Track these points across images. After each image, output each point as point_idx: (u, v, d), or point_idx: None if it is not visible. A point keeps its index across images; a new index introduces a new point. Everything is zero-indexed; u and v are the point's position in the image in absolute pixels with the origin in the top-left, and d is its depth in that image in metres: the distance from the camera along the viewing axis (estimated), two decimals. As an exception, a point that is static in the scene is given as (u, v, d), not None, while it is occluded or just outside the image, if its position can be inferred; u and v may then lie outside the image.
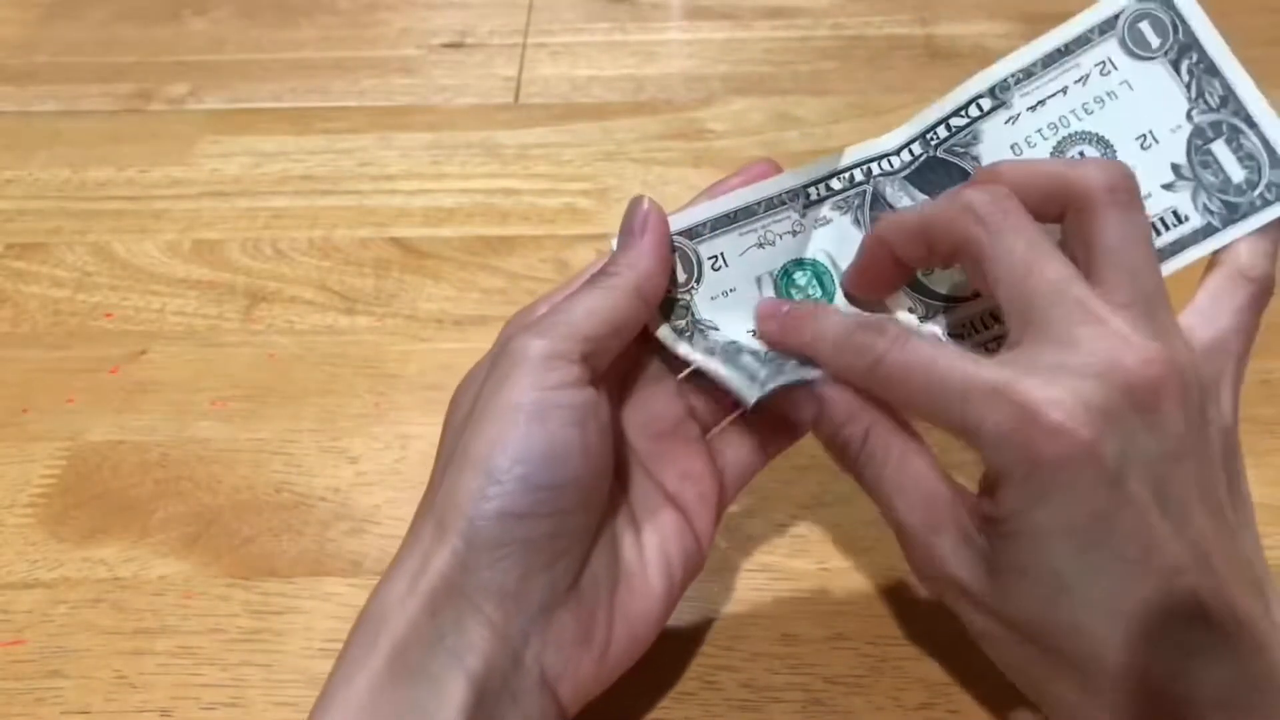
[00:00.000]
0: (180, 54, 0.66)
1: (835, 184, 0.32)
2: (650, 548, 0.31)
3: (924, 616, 0.37)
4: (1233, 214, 0.30)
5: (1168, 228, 0.30)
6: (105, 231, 0.53)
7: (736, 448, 0.33)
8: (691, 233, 0.31)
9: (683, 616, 0.37)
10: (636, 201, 0.31)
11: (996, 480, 0.26)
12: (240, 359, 0.46)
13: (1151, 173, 0.30)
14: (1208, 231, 0.30)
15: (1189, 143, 0.30)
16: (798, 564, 0.38)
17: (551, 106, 0.61)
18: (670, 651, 0.36)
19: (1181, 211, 0.30)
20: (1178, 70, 0.30)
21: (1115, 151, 0.30)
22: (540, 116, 0.60)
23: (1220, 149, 0.30)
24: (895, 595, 0.37)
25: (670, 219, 0.31)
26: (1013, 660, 0.28)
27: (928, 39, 0.66)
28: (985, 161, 0.31)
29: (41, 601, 0.37)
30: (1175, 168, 0.30)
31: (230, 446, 0.43)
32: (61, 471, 0.42)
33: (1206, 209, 0.30)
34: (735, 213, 0.31)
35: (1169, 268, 0.30)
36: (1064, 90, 0.31)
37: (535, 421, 0.26)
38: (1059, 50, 0.31)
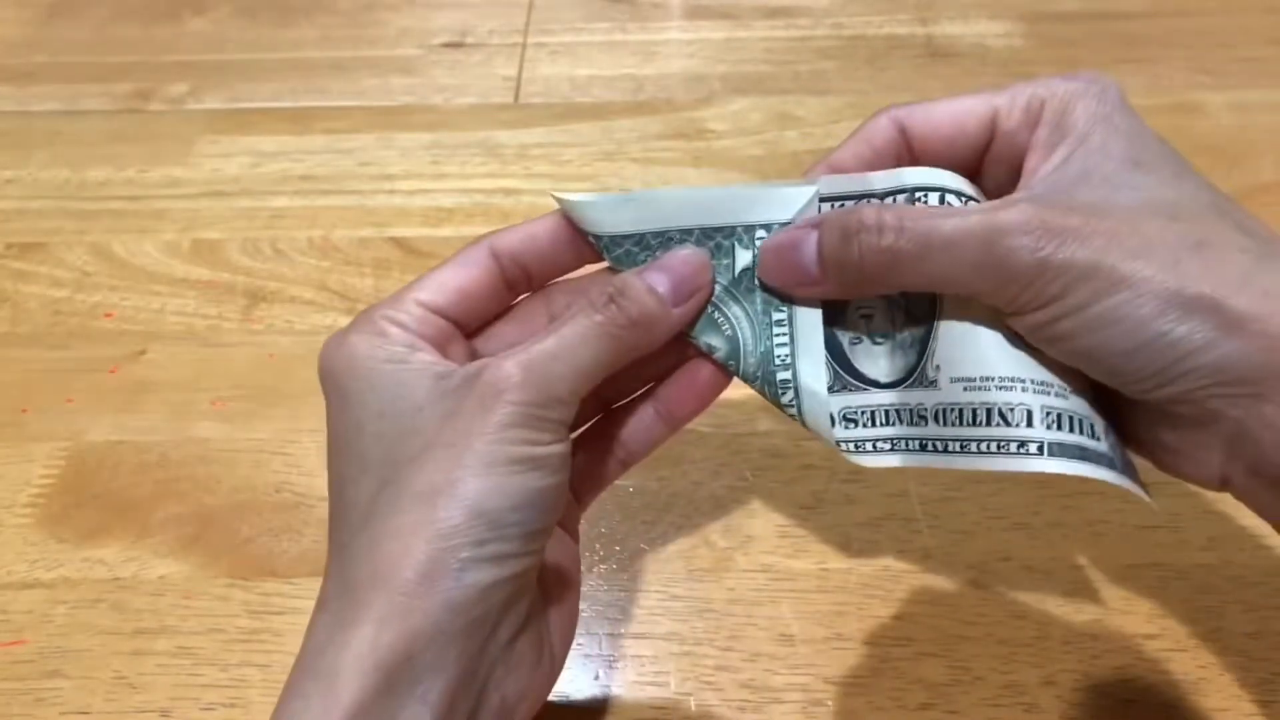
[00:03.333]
0: (180, 54, 0.66)
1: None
2: (551, 549, 0.30)
3: (924, 616, 0.37)
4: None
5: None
6: (105, 231, 0.53)
7: (639, 416, 0.32)
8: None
9: (682, 617, 0.37)
10: (695, 258, 0.29)
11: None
12: (240, 359, 0.46)
13: None
14: None
15: None
16: (798, 564, 0.38)
17: (551, 106, 0.61)
18: (670, 652, 0.36)
19: None
20: None
21: None
22: (540, 116, 0.60)
23: None
24: (895, 595, 0.37)
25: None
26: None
27: (928, 39, 0.66)
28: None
29: (41, 602, 0.37)
30: None
31: (230, 446, 0.43)
32: (61, 471, 0.42)
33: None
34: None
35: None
36: None
37: (530, 472, 0.26)
38: None
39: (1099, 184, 0.27)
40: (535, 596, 0.29)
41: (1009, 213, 0.26)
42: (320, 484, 0.41)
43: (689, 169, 0.56)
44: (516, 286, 0.30)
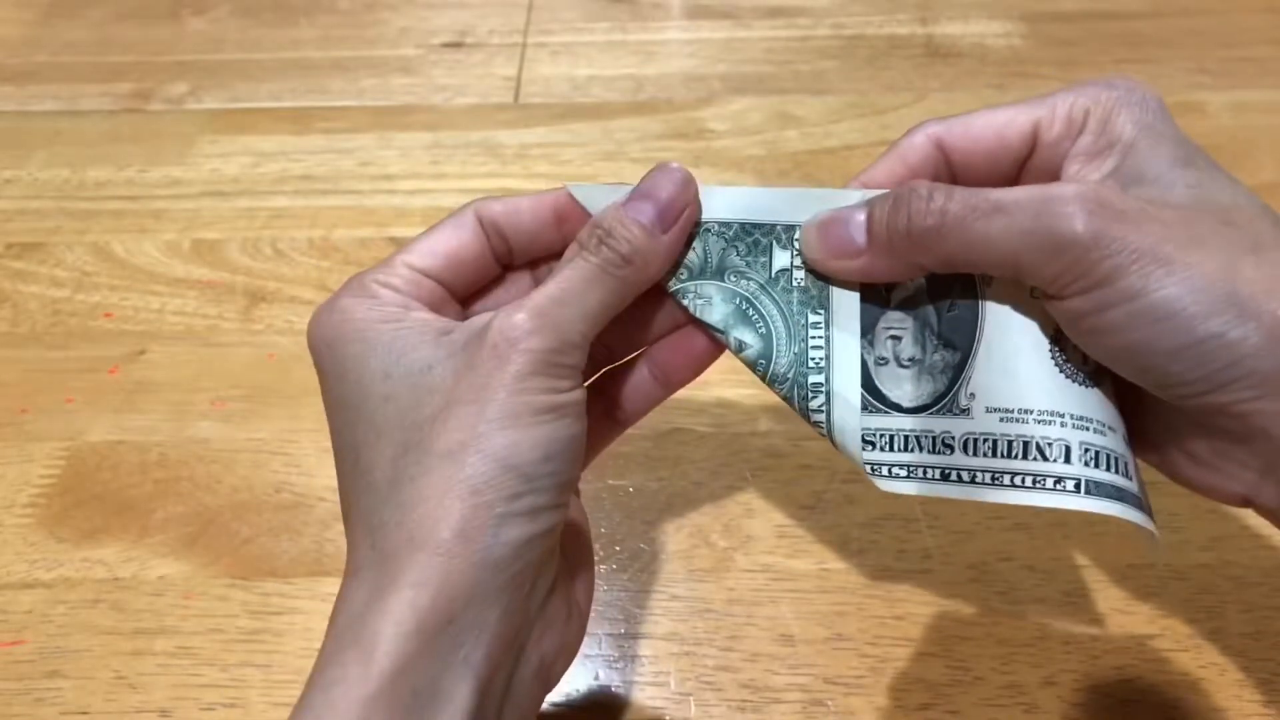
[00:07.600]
0: (179, 54, 0.66)
1: None
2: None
3: (924, 616, 0.37)
4: None
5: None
6: (105, 231, 0.53)
7: (635, 377, 0.32)
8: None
9: (683, 616, 0.37)
10: (676, 176, 0.29)
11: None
12: (240, 359, 0.46)
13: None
14: None
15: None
16: (798, 564, 0.38)
17: (551, 106, 0.61)
18: (670, 652, 0.36)
19: None
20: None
21: None
22: (540, 116, 0.60)
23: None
24: (895, 595, 0.37)
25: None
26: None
27: (928, 39, 0.66)
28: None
29: (41, 602, 0.37)
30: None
31: (230, 446, 0.43)
32: (61, 472, 0.42)
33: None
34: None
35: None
36: None
37: (555, 421, 0.26)
38: None
39: (1151, 183, 0.27)
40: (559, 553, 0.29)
41: (1064, 186, 0.25)
42: (320, 483, 0.41)
43: (689, 169, 0.56)
44: (501, 259, 0.30)
